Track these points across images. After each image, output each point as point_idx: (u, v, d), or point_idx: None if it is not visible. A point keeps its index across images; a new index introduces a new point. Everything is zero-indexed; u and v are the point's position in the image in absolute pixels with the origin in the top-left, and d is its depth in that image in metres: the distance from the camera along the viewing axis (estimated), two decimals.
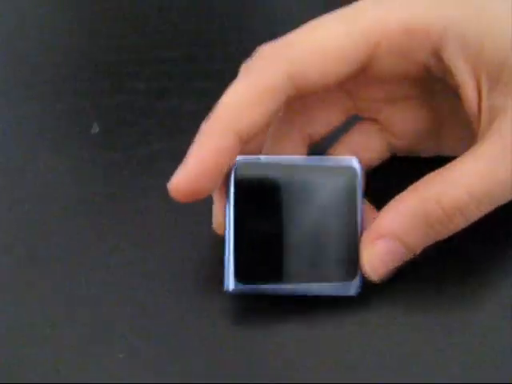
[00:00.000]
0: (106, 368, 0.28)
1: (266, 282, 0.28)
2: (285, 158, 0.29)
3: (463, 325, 0.29)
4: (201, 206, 0.30)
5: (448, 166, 0.27)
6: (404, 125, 0.33)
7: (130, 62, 0.41)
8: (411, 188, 0.28)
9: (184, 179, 0.27)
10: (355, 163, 0.29)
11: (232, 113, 0.27)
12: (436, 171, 0.27)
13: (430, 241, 0.27)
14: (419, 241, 0.27)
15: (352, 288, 0.28)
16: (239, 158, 0.28)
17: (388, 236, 0.27)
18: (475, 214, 0.26)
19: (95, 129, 0.38)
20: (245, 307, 0.30)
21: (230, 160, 0.27)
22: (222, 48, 0.41)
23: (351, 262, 0.28)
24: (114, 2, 0.45)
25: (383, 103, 0.32)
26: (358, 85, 0.31)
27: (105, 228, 0.33)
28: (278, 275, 0.28)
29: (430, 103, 0.32)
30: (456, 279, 0.30)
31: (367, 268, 0.28)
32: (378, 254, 0.27)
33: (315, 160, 0.29)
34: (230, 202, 0.28)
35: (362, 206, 0.29)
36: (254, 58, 0.28)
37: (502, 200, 0.27)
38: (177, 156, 0.32)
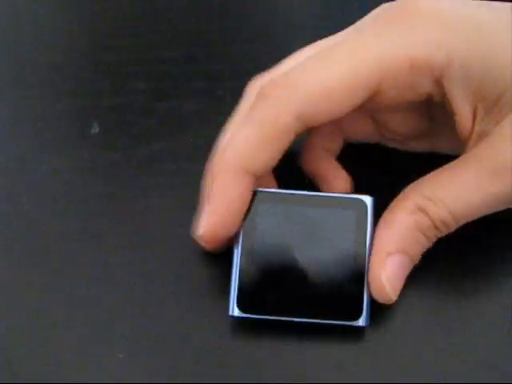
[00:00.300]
0: (106, 368, 0.28)
1: (268, 313, 0.28)
2: (297, 192, 0.30)
3: (463, 325, 0.29)
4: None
5: (431, 177, 0.29)
6: (398, 126, 0.33)
7: (130, 62, 0.41)
8: (395, 203, 0.29)
9: (209, 229, 0.28)
10: (367, 199, 0.29)
11: (245, 155, 0.28)
12: (416, 182, 0.29)
13: (424, 248, 0.29)
14: (418, 250, 0.29)
15: (360, 321, 0.28)
16: (254, 190, 0.29)
17: (396, 252, 0.28)
18: (454, 227, 0.29)
19: (95, 129, 0.38)
20: None
21: (249, 198, 0.29)
22: (222, 48, 0.41)
23: (357, 299, 0.28)
24: (114, 2, 0.45)
25: (382, 111, 0.33)
26: None
27: (105, 228, 0.33)
28: (280, 309, 0.28)
29: (426, 112, 0.32)
30: (456, 279, 0.30)
31: (388, 289, 0.28)
32: (392, 272, 0.28)
33: (325, 196, 0.30)
34: (239, 233, 0.29)
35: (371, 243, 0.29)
36: (261, 97, 0.28)
37: (479, 216, 0.28)
38: (177, 156, 0.32)
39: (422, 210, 0.28)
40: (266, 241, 0.29)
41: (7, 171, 0.36)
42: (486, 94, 0.28)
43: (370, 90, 0.28)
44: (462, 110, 0.28)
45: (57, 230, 0.33)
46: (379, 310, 0.29)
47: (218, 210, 0.28)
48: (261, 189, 0.29)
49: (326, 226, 0.29)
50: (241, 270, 0.29)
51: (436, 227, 0.28)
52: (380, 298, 0.28)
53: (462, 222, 0.28)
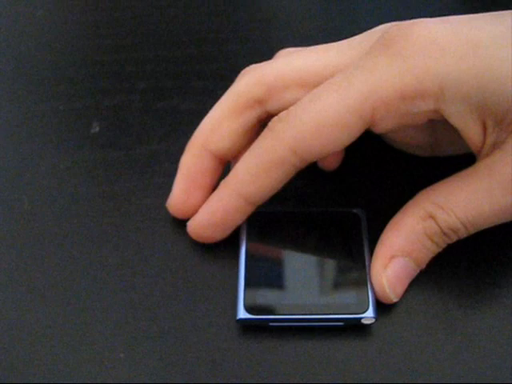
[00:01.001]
0: (106, 368, 0.28)
1: (274, 313, 0.29)
2: (292, 210, 0.32)
3: (463, 325, 0.29)
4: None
5: (443, 184, 0.29)
6: (400, 138, 0.33)
7: (130, 62, 0.41)
8: (406, 208, 0.29)
9: (199, 228, 0.31)
10: (359, 211, 0.32)
11: (242, 181, 0.30)
12: (428, 189, 0.29)
13: (432, 254, 0.29)
14: (424, 254, 0.29)
15: (368, 313, 0.29)
16: (253, 212, 0.31)
17: (399, 254, 0.29)
18: (464, 235, 0.29)
19: (95, 128, 0.38)
20: None
21: (241, 216, 0.31)
22: (221, 48, 0.41)
23: (362, 295, 0.29)
24: (114, 2, 0.45)
25: None
26: None
27: (105, 228, 0.33)
28: (286, 308, 0.29)
29: (428, 127, 0.32)
30: (456, 279, 0.30)
31: (387, 289, 0.29)
32: (394, 273, 0.29)
33: (319, 211, 0.32)
34: (242, 239, 0.31)
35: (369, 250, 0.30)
36: (266, 130, 0.29)
37: (488, 226, 0.29)
38: (177, 156, 0.33)
39: (431, 216, 0.28)
40: (269, 249, 0.31)
41: (7, 171, 0.36)
42: (493, 109, 0.27)
43: (363, 123, 0.28)
44: (469, 127, 0.28)
45: (57, 230, 0.33)
46: (380, 312, 0.29)
47: (206, 220, 0.31)
48: (260, 210, 0.31)
49: (324, 237, 0.31)
50: (246, 275, 0.30)
51: (445, 234, 0.28)
52: (381, 298, 0.29)
53: (473, 230, 0.28)
